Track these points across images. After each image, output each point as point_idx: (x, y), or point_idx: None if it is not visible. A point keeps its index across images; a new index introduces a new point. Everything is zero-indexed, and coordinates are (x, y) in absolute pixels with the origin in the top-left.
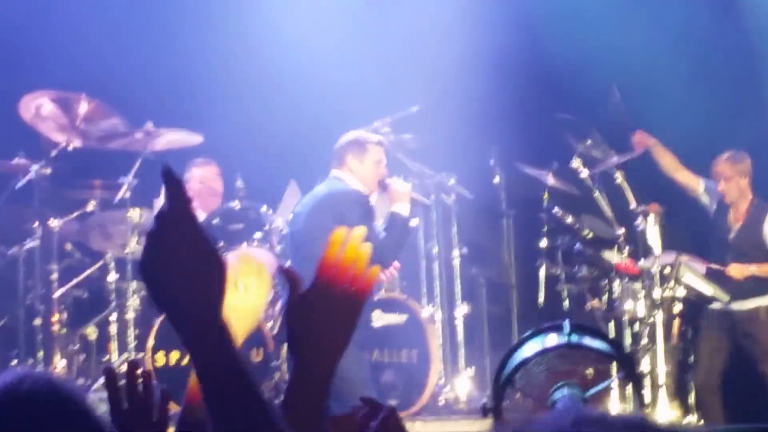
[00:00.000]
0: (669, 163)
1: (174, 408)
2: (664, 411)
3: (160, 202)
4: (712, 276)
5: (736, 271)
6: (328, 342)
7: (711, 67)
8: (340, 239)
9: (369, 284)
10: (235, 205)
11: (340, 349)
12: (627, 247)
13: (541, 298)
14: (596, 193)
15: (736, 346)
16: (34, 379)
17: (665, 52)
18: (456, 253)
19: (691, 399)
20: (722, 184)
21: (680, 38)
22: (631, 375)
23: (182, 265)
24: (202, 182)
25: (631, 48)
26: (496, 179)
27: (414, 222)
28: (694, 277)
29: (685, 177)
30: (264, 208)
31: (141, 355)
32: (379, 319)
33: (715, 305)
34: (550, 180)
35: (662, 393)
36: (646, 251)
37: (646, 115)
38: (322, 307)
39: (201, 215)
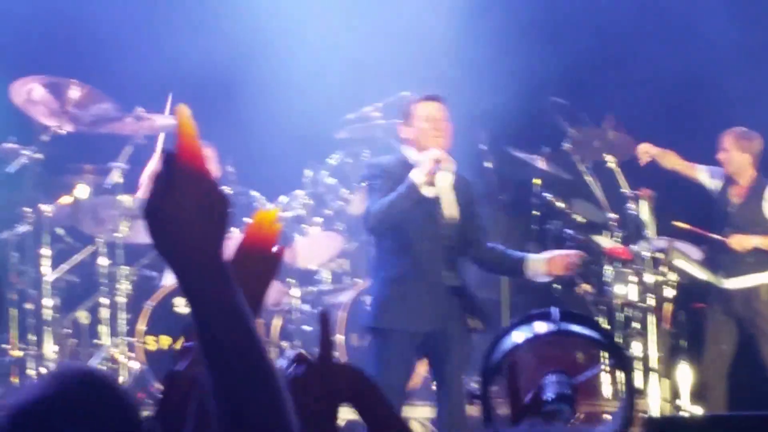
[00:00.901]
0: (670, 162)
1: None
2: (655, 396)
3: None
4: (710, 255)
5: (738, 242)
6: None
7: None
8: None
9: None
10: (227, 189)
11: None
12: (619, 232)
13: (532, 283)
14: (588, 178)
15: (740, 328)
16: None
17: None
18: None
19: (681, 383)
20: (721, 154)
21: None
22: (621, 361)
23: (186, 206)
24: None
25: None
26: (488, 164)
27: (428, 191)
28: (686, 262)
29: (684, 169)
30: (255, 194)
31: (132, 339)
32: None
33: (716, 287)
34: (542, 164)
35: (654, 378)
36: (638, 236)
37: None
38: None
39: None
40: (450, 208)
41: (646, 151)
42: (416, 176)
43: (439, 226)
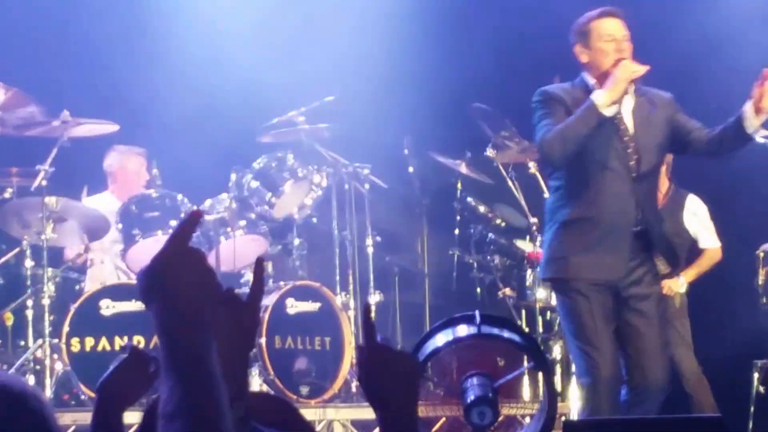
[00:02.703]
0: None
1: (89, 393)
2: (575, 399)
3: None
4: None
5: (668, 288)
6: (406, 401)
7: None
8: None
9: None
10: (152, 192)
11: (416, 401)
12: (539, 237)
13: (454, 287)
14: (509, 183)
15: None
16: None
17: None
18: (369, 241)
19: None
20: None
21: None
22: (542, 364)
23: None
24: (138, 173)
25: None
26: (410, 169)
27: (609, 110)
28: None
29: None
30: (180, 197)
31: (56, 341)
32: (293, 306)
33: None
34: (464, 169)
35: (573, 381)
36: None
37: None
38: (388, 377)
39: (118, 203)
40: (634, 129)
41: None
42: (599, 96)
43: (626, 153)
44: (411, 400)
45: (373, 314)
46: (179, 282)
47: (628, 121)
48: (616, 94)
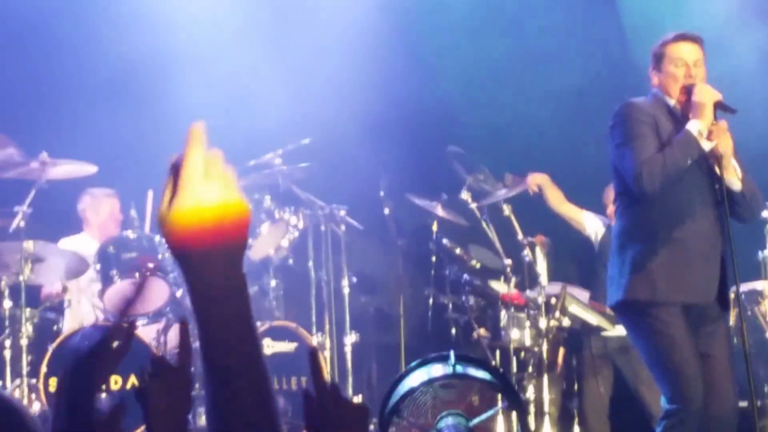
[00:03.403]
0: (555, 198)
1: None
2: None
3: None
4: (594, 307)
5: None
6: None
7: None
8: None
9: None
10: (129, 234)
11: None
12: (514, 278)
13: (429, 327)
14: (484, 225)
15: (617, 372)
16: None
17: (554, 88)
18: (346, 282)
19: (576, 426)
20: (610, 208)
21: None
22: (516, 403)
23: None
24: (111, 214)
25: (522, 85)
26: (386, 210)
27: (707, 145)
28: (579, 307)
29: (569, 211)
30: (157, 238)
31: (33, 381)
32: (270, 347)
33: (595, 334)
34: (439, 211)
35: (546, 421)
36: (533, 282)
37: (536, 151)
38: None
39: (94, 242)
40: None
41: (537, 182)
42: (695, 126)
43: (712, 175)
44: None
45: (322, 359)
46: None
47: (711, 144)
48: (708, 121)
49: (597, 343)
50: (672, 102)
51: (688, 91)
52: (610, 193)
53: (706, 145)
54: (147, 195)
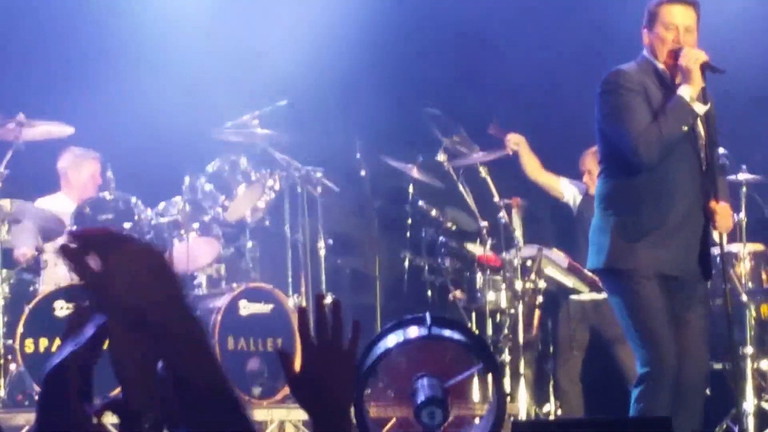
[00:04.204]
0: (531, 165)
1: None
2: (524, 400)
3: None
4: (573, 269)
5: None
6: (337, 398)
7: (576, 64)
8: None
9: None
10: (106, 195)
11: (349, 398)
12: (490, 240)
13: (405, 289)
14: (460, 187)
15: (592, 335)
16: None
17: (535, 51)
18: (322, 244)
19: (551, 388)
20: (586, 176)
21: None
22: (491, 366)
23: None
24: (92, 176)
25: (503, 47)
26: (362, 172)
27: (701, 108)
28: (555, 269)
29: (546, 179)
30: (134, 199)
31: (10, 342)
32: (246, 308)
33: (572, 296)
34: (415, 173)
35: (522, 383)
36: (509, 244)
37: (516, 115)
38: (321, 377)
39: (71, 203)
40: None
41: (515, 142)
42: (687, 92)
43: (697, 144)
44: (347, 399)
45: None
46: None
47: (705, 107)
48: (698, 84)
49: (574, 306)
50: (661, 66)
51: (675, 55)
52: (586, 160)
53: (700, 109)
54: None
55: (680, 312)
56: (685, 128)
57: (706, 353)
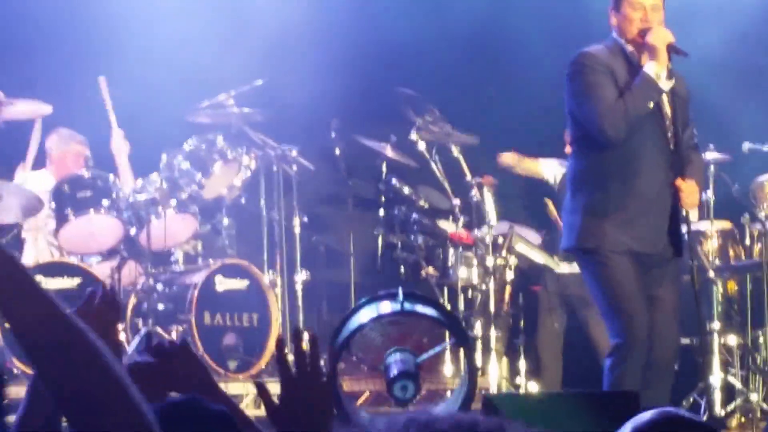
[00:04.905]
0: (525, 169)
1: (21, 367)
2: (495, 374)
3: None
4: (547, 240)
5: None
6: (317, 427)
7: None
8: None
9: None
10: (84, 173)
11: (328, 427)
12: (462, 217)
13: (379, 266)
14: (433, 166)
15: (570, 310)
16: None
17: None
18: (297, 221)
19: (522, 363)
20: (568, 148)
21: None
22: (463, 340)
23: None
24: (75, 160)
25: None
26: (337, 151)
27: (667, 84)
28: (526, 246)
29: (527, 168)
30: (111, 177)
31: None
32: (222, 284)
33: (549, 271)
34: (389, 152)
35: (493, 357)
36: (480, 221)
37: (487, 93)
38: (300, 408)
39: (51, 180)
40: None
41: (508, 163)
42: (652, 68)
43: (664, 124)
44: (326, 428)
45: (305, 343)
46: None
47: (670, 83)
48: (663, 62)
49: (552, 281)
50: (629, 48)
51: (643, 33)
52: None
53: (665, 85)
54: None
55: (651, 289)
56: (651, 104)
57: (677, 329)
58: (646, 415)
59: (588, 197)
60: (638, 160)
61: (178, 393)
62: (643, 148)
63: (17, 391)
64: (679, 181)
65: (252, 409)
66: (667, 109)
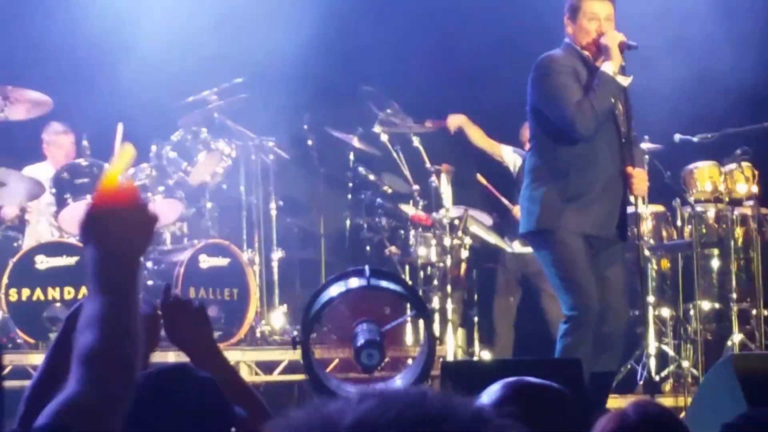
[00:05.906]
0: (476, 135)
1: (24, 338)
2: (451, 343)
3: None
4: (499, 222)
5: None
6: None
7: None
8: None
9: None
10: (82, 162)
11: (210, 340)
12: (421, 201)
13: (347, 245)
14: (395, 154)
15: (526, 286)
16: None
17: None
18: (273, 205)
19: (476, 333)
20: (527, 145)
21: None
22: (422, 312)
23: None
24: (67, 148)
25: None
26: (309, 142)
27: (624, 81)
28: (479, 227)
29: (490, 146)
30: (106, 165)
31: None
32: (205, 261)
33: (507, 249)
34: (356, 142)
35: (449, 327)
36: (438, 205)
37: (461, 89)
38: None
39: (51, 170)
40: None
41: (456, 124)
42: (609, 68)
43: (616, 118)
44: (207, 337)
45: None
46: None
47: (628, 79)
48: (618, 60)
49: (512, 259)
50: (585, 53)
51: (597, 39)
52: (525, 131)
53: (623, 81)
54: (117, 127)
55: (602, 268)
56: (613, 99)
57: (626, 303)
58: (494, 388)
59: (547, 187)
60: (594, 153)
61: (180, 348)
62: (600, 141)
63: (20, 359)
64: (630, 169)
65: None
66: (620, 105)
